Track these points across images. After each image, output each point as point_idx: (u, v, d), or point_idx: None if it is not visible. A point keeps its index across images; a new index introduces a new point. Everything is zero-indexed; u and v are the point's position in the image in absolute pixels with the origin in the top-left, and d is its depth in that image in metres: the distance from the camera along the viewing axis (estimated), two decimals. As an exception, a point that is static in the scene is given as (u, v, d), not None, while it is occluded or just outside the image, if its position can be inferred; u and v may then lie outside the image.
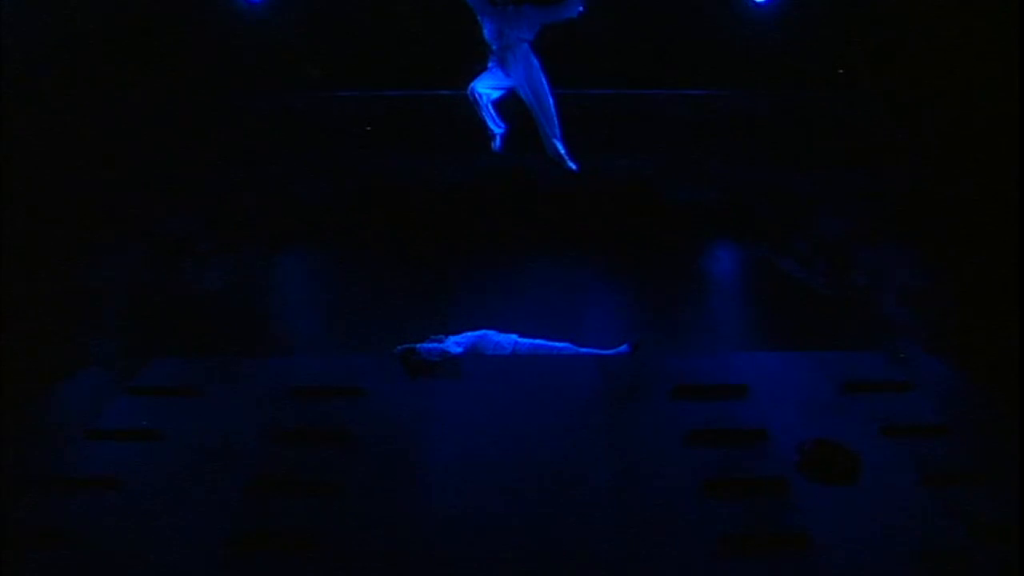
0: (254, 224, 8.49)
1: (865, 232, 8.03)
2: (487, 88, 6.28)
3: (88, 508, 4.97)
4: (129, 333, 6.89)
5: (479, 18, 6.27)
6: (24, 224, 6.76)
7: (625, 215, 8.67)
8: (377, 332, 6.74)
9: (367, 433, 5.47)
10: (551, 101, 6.38)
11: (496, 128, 6.36)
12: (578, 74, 7.33)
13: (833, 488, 5.02)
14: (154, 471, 5.22)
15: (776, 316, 7.36)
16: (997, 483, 5.00)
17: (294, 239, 8.64)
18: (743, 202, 8.69)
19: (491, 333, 6.32)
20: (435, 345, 6.01)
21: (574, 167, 6.56)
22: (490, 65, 6.32)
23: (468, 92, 6.28)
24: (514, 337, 6.35)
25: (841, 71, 8.23)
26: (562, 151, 6.48)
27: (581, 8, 6.19)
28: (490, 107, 6.31)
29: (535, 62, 6.30)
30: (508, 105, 6.39)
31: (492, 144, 6.41)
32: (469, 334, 6.24)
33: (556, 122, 6.43)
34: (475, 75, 6.31)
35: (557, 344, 6.38)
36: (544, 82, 6.34)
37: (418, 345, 5.97)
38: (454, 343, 6.10)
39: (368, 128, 8.65)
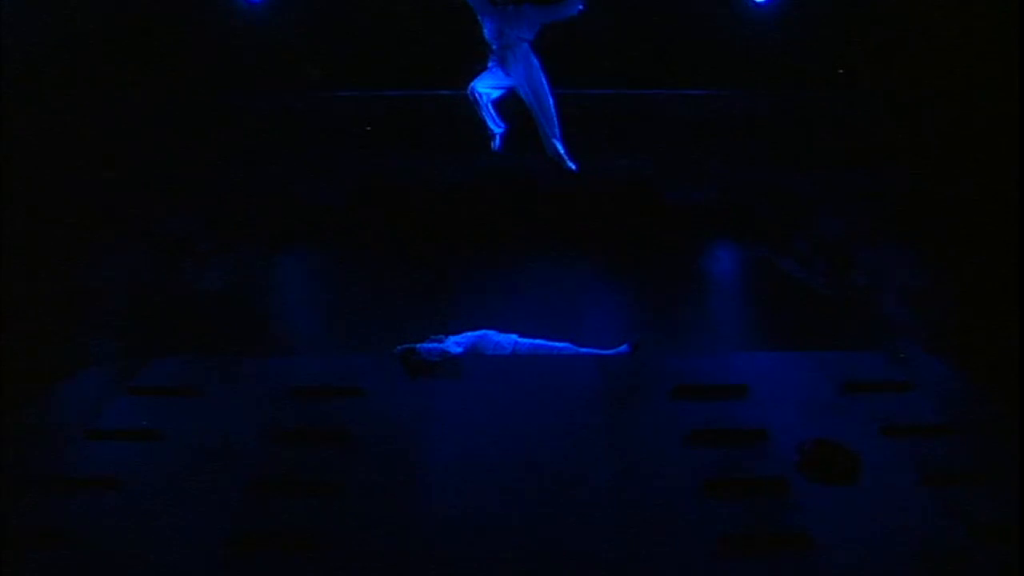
0: (254, 224, 8.49)
1: (865, 232, 8.03)
2: (487, 88, 6.28)
3: (88, 508, 4.96)
4: (129, 333, 6.89)
5: (479, 17, 6.27)
6: (24, 224, 6.77)
7: (625, 215, 8.67)
8: (377, 332, 6.74)
9: (367, 433, 5.47)
10: (551, 101, 6.38)
11: (496, 128, 6.36)
12: (578, 74, 7.33)
13: (833, 488, 5.02)
14: (154, 471, 5.21)
15: (776, 316, 7.36)
16: (997, 483, 4.99)
17: (294, 239, 8.64)
18: (743, 202, 8.69)
19: (491, 333, 6.32)
20: (435, 345, 6.01)
21: (574, 167, 6.56)
22: (490, 65, 6.32)
23: (468, 92, 6.28)
24: (514, 337, 6.35)
25: (841, 71, 8.23)
26: (562, 151, 6.48)
27: (581, 6, 6.19)
28: (490, 107, 6.31)
29: (535, 62, 6.30)
30: (508, 105, 6.39)
31: (492, 144, 6.41)
32: (469, 334, 6.24)
33: (556, 122, 6.42)
34: (475, 75, 6.30)
35: (557, 344, 6.38)
36: (544, 82, 6.34)
37: (418, 345, 5.97)
38: (454, 343, 6.10)
39: (368, 128, 8.65)
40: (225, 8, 7.97)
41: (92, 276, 7.31)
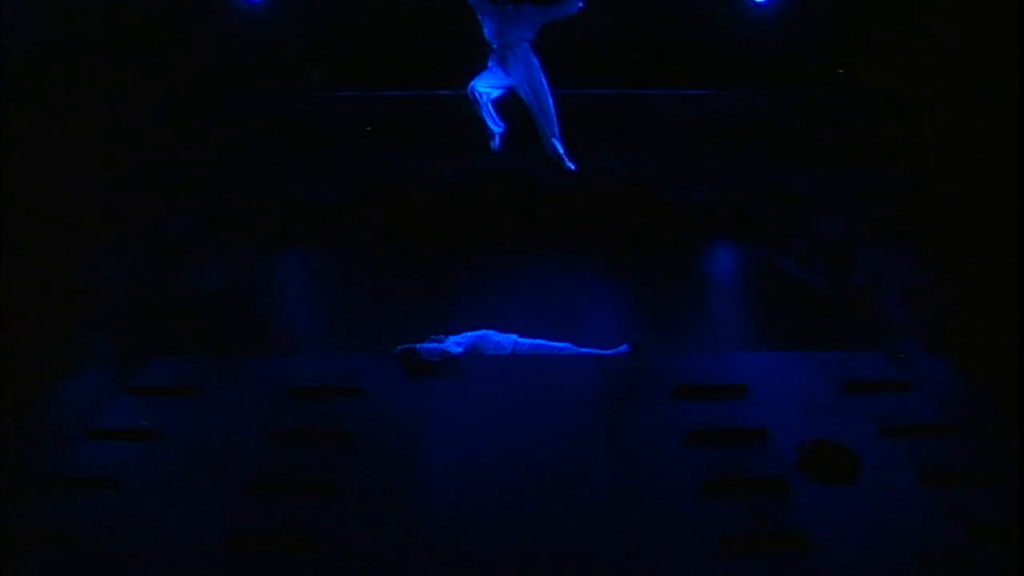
0: (254, 224, 8.49)
1: (865, 232, 8.02)
2: (487, 87, 6.28)
3: (88, 508, 4.97)
4: (129, 333, 6.88)
5: (480, 17, 6.27)
6: (24, 224, 6.77)
7: (625, 215, 8.66)
8: (377, 332, 6.73)
9: (367, 433, 5.47)
10: (551, 101, 6.38)
11: (495, 127, 6.36)
12: (578, 74, 7.33)
13: (833, 488, 5.02)
14: (154, 471, 5.21)
15: (776, 316, 7.36)
16: (997, 483, 5.00)
17: (294, 239, 8.64)
18: (743, 202, 8.69)
19: (491, 333, 6.32)
20: (435, 345, 6.01)
21: (573, 167, 6.56)
22: (490, 64, 6.32)
23: (468, 91, 6.28)
24: (514, 337, 6.35)
25: (841, 71, 8.23)
26: (561, 151, 6.49)
27: (581, 4, 6.19)
28: (490, 106, 6.31)
29: (535, 61, 6.30)
30: (508, 104, 6.39)
31: (491, 143, 6.41)
32: (469, 334, 6.24)
33: (555, 122, 6.43)
34: (475, 75, 6.31)
35: (557, 344, 6.38)
36: (544, 82, 6.34)
37: (418, 345, 5.97)
38: (454, 343, 6.10)
39: (368, 128, 8.65)
40: (225, 8, 7.97)
41: (92, 276, 7.31)
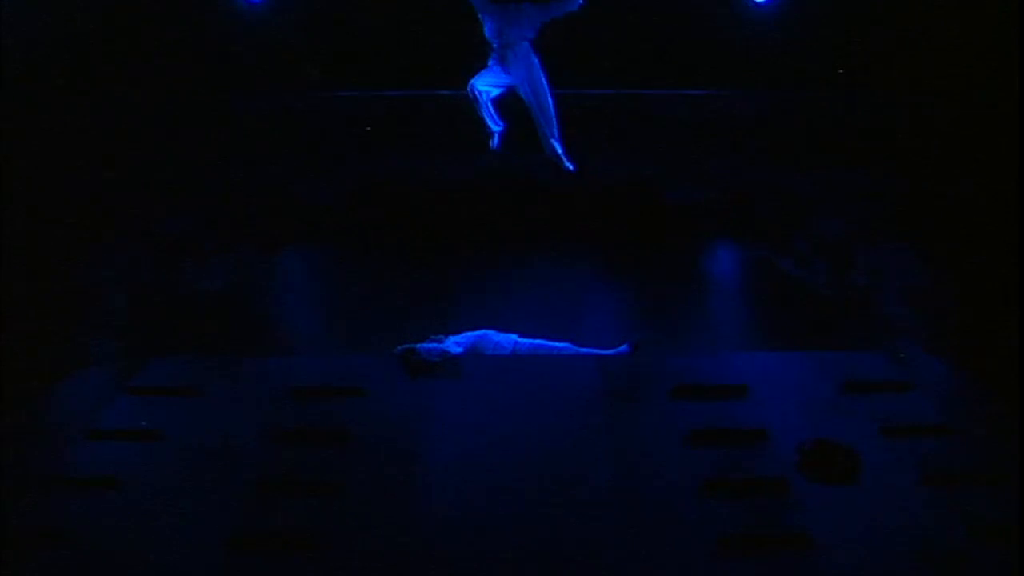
0: (254, 224, 8.49)
1: (865, 232, 8.03)
2: (487, 86, 6.29)
3: (88, 508, 4.96)
4: (129, 333, 6.89)
5: (480, 16, 6.28)
6: (24, 224, 6.77)
7: (625, 215, 8.66)
8: (377, 332, 6.73)
9: (367, 433, 5.46)
10: (551, 101, 6.39)
11: (495, 126, 6.37)
12: (578, 74, 7.33)
13: (833, 488, 5.02)
14: (154, 471, 5.21)
15: (776, 316, 7.35)
16: (997, 483, 4.99)
17: (294, 239, 8.64)
18: (743, 202, 8.69)
19: (491, 333, 6.32)
20: (435, 345, 6.01)
21: (571, 167, 6.56)
22: (490, 63, 6.32)
23: (468, 89, 6.28)
24: (514, 337, 6.35)
25: (841, 71, 8.23)
26: (560, 151, 6.49)
27: (582, 1, 6.19)
28: (489, 105, 6.32)
29: (535, 61, 6.31)
30: (507, 104, 6.39)
31: (490, 142, 6.41)
32: (469, 334, 6.24)
33: (555, 122, 6.43)
34: (475, 74, 6.31)
35: (557, 344, 6.37)
36: (544, 81, 6.34)
37: (418, 345, 5.96)
38: (454, 343, 6.09)
39: (368, 128, 8.65)
40: (225, 8, 7.98)
41: (92, 276, 7.31)
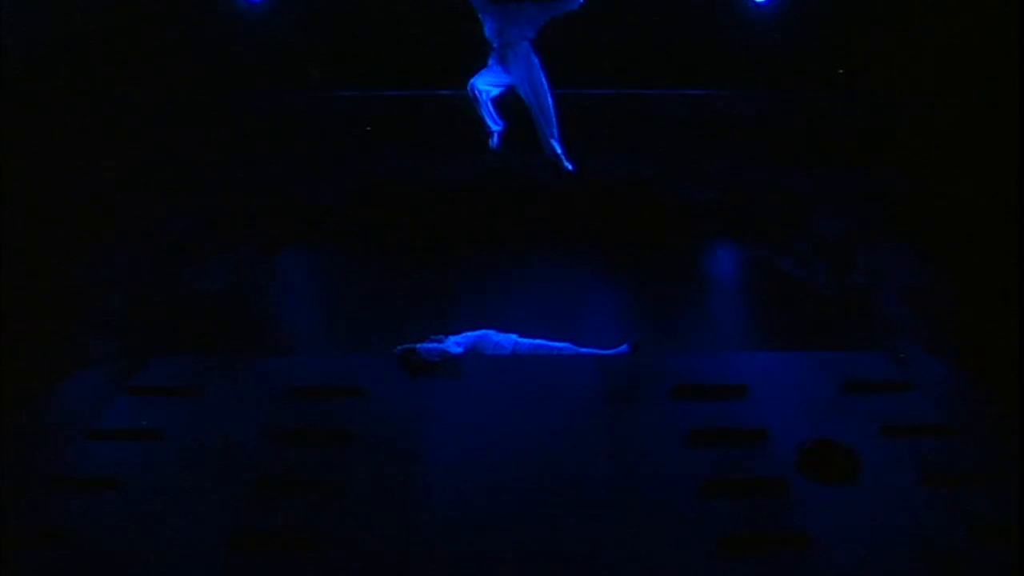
0: (254, 224, 8.49)
1: (865, 232, 8.03)
2: (487, 85, 6.28)
3: (88, 508, 4.96)
4: (129, 333, 6.88)
5: (480, 15, 6.28)
6: (24, 224, 6.77)
7: (625, 215, 8.66)
8: (377, 332, 6.73)
9: (367, 433, 5.47)
10: (550, 101, 6.38)
11: (494, 125, 6.36)
12: (578, 74, 7.33)
13: (833, 488, 5.02)
14: (154, 471, 5.21)
15: (776, 316, 7.35)
16: (997, 483, 5.00)
17: (294, 239, 8.64)
18: (743, 202, 8.69)
19: (491, 333, 6.32)
20: (435, 345, 6.01)
21: (570, 167, 6.56)
22: (491, 62, 6.32)
23: (468, 89, 6.28)
24: (514, 337, 6.35)
25: (841, 71, 8.23)
26: (559, 151, 6.49)
27: None
28: (489, 104, 6.32)
29: (535, 61, 6.30)
30: (507, 104, 6.39)
31: (490, 141, 6.41)
32: (469, 334, 6.24)
33: (555, 122, 6.43)
34: (475, 74, 6.30)
35: (557, 344, 6.38)
36: (544, 81, 6.34)
37: (418, 345, 5.97)
38: (454, 343, 6.10)
39: (368, 128, 8.65)
40: (225, 8, 7.97)
41: (92, 276, 7.31)
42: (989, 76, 7.23)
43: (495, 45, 6.29)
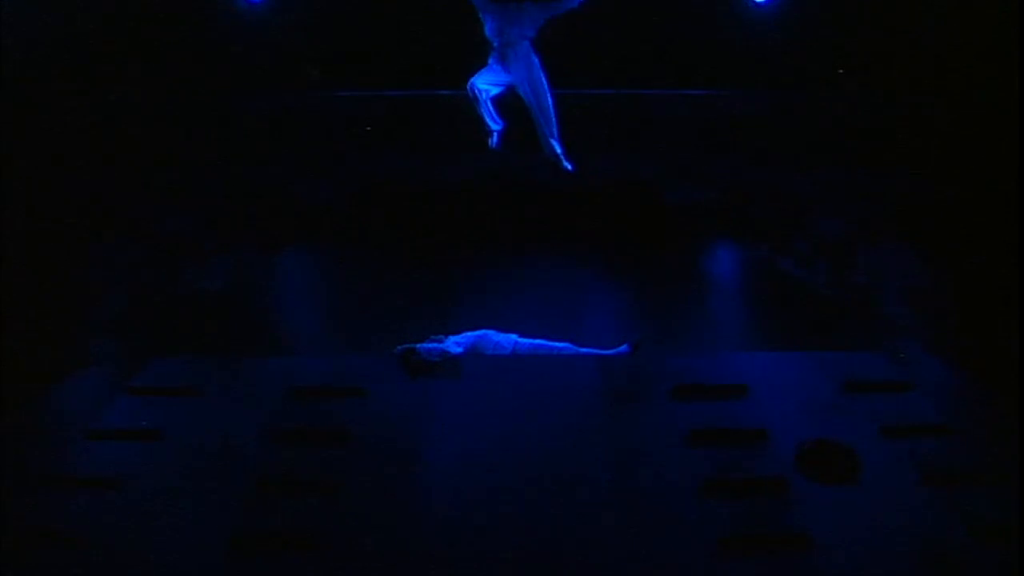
0: (254, 224, 8.49)
1: (865, 232, 8.03)
2: (487, 84, 6.29)
3: (88, 508, 4.96)
4: (129, 333, 6.88)
5: (480, 15, 6.28)
6: (24, 224, 6.77)
7: (625, 215, 8.66)
8: (377, 332, 6.73)
9: (367, 433, 5.47)
10: (550, 100, 6.38)
11: (494, 125, 6.36)
12: (578, 74, 7.33)
13: (833, 488, 5.02)
14: (154, 471, 5.21)
15: (776, 316, 7.35)
16: (997, 483, 5.00)
17: (294, 239, 8.64)
18: (743, 202, 8.69)
19: (491, 333, 6.32)
20: (435, 345, 6.01)
21: (570, 167, 6.56)
22: (491, 62, 6.32)
23: (468, 88, 6.28)
24: (514, 337, 6.35)
25: (841, 71, 8.23)
26: (559, 151, 6.49)
27: None
28: (489, 104, 6.32)
29: (535, 60, 6.31)
30: (507, 103, 6.39)
31: (490, 141, 6.41)
32: (469, 334, 6.24)
33: (554, 122, 6.43)
34: (475, 73, 6.31)
35: (557, 344, 6.37)
36: (544, 81, 6.34)
37: (418, 345, 5.97)
38: (454, 343, 6.10)
39: (368, 128, 8.65)
40: (225, 8, 7.97)
41: (92, 276, 7.31)
42: (989, 76, 7.23)
43: (495, 44, 6.29)
